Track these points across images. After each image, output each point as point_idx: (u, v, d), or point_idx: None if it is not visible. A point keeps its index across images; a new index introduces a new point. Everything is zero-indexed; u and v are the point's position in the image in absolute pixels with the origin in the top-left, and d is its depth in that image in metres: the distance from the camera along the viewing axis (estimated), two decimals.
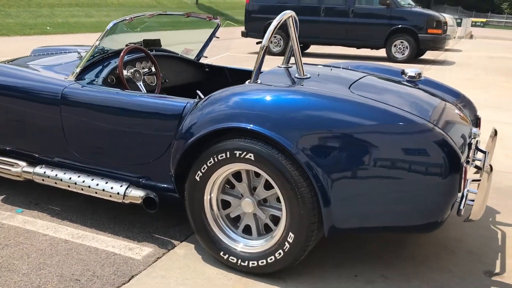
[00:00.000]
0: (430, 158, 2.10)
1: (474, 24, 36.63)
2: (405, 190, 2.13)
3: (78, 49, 3.65)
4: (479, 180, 2.25)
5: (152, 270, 2.43)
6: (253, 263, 2.35)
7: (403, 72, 3.27)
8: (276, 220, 2.37)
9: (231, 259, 2.40)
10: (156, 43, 3.61)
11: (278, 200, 2.36)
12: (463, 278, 2.46)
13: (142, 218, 3.00)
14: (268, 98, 2.33)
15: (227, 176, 2.42)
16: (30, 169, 2.97)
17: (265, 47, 2.55)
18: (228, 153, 2.29)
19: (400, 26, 12.03)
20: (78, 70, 2.94)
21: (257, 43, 13.23)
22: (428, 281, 2.41)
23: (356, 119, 2.18)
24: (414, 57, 12.23)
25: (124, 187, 2.67)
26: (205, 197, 2.43)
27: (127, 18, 3.08)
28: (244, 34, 13.96)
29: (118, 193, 2.67)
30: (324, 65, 3.31)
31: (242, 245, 2.40)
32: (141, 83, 3.20)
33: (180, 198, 2.60)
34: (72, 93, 2.84)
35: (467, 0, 56.53)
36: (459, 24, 22.71)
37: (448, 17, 14.10)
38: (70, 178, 2.83)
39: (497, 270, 2.56)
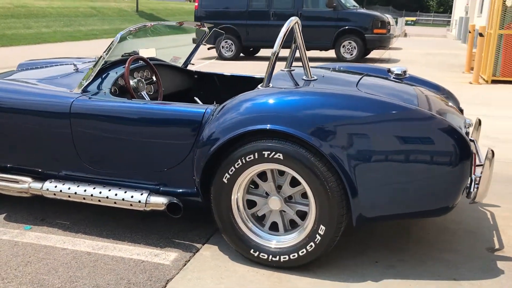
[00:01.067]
0: (446, 148, 2.31)
1: (406, 23, 38.36)
2: (424, 178, 2.33)
3: (74, 61, 3.62)
4: (482, 165, 2.49)
5: (185, 273, 2.50)
6: (285, 258, 2.47)
7: (389, 71, 3.50)
8: (301, 215, 2.51)
9: (262, 255, 2.51)
10: (150, 52, 3.65)
11: (303, 196, 2.49)
12: (469, 255, 2.70)
13: (156, 225, 3.04)
14: (291, 99, 2.47)
15: (252, 177, 2.53)
16: (38, 185, 2.94)
17: (276, 53, 2.69)
18: (256, 154, 2.40)
19: (347, 27, 12.50)
20: (86, 82, 2.95)
21: (209, 48, 13.32)
22: (441, 260, 2.63)
23: (375, 114, 2.36)
24: (361, 57, 12.74)
25: (145, 195, 2.71)
26: (232, 198, 2.52)
27: (132, 29, 3.12)
28: (195, 41, 13.96)
29: (139, 201, 2.71)
30: (321, 67, 3.48)
31: (275, 241, 2.51)
32: (144, 92, 3.24)
33: (202, 202, 2.68)
34: (83, 106, 2.84)
35: (396, 0, 59.03)
36: (395, 23, 23.76)
37: (389, 17, 14.76)
38: (85, 191, 2.83)
39: (497, 246, 2.82)
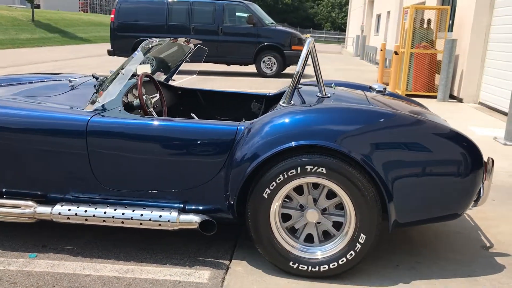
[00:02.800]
0: (466, 159, 2.58)
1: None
2: (448, 186, 2.58)
3: (70, 77, 3.42)
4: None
5: None
6: (324, 267, 2.58)
7: (371, 87, 3.78)
8: (335, 225, 2.64)
9: (301, 267, 2.59)
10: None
11: (336, 207, 2.63)
12: (471, 254, 3.01)
13: (170, 244, 2.98)
14: (329, 116, 2.59)
15: (289, 191, 2.61)
16: (45, 209, 2.76)
17: (300, 73, 2.81)
18: (299, 168, 2.49)
19: (266, 43, 12.92)
20: (102, 100, 2.82)
21: None
22: (449, 260, 2.90)
23: (406, 128, 2.58)
24: (280, 72, 13.22)
25: (175, 213, 2.67)
26: (271, 213, 2.58)
27: (151, 45, 3.06)
28: (111, 53, 13.57)
29: (169, 221, 2.66)
30: (312, 84, 3.62)
31: (320, 252, 2.61)
32: (152, 109, 3.17)
33: (234, 218, 2.70)
34: (102, 124, 2.73)
35: (291, 19, 61.62)
36: None
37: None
38: (105, 212, 2.71)
39: (488, 244, 3.17)
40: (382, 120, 2.60)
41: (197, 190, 2.72)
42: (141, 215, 2.69)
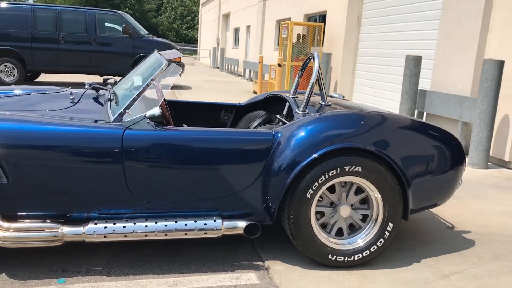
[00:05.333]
0: (456, 154, 3.12)
1: None
2: (446, 176, 3.09)
3: (72, 90, 3.15)
4: None
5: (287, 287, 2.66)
6: (358, 256, 2.88)
7: (331, 96, 4.21)
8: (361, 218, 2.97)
9: (339, 258, 2.86)
10: None
11: (361, 202, 2.96)
12: (444, 234, 3.58)
13: (198, 254, 3.01)
14: (359, 120, 2.89)
15: (324, 191, 2.86)
16: (76, 229, 2.60)
17: (313, 84, 3.09)
18: (338, 169, 2.76)
19: (144, 54, 12.73)
20: (132, 112, 2.74)
21: None
22: (434, 241, 3.43)
23: (419, 129, 3.02)
24: None
25: (219, 221, 2.74)
26: (311, 211, 2.80)
27: (177, 57, 3.05)
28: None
29: (215, 228, 2.72)
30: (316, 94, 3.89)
31: (353, 243, 2.89)
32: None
33: (271, 221, 2.85)
34: (139, 137, 2.66)
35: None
36: None
37: None
38: (146, 226, 2.66)
39: (450, 225, 3.78)
40: (401, 124, 3.01)
41: (234, 196, 2.81)
42: (185, 225, 2.70)
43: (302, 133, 2.82)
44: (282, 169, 2.76)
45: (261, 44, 17.66)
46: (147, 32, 13.56)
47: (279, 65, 10.88)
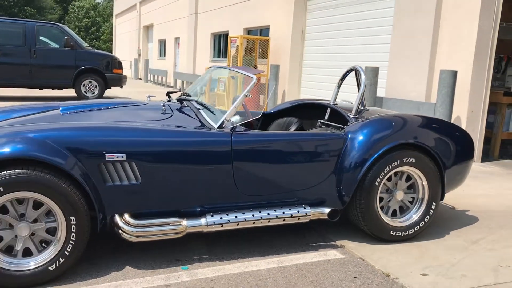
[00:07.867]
0: (471, 148, 3.91)
1: None
2: (465, 165, 3.86)
3: (162, 102, 3.46)
4: None
5: (374, 258, 3.24)
6: (411, 230, 3.55)
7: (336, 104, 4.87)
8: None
9: (397, 233, 3.51)
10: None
11: (408, 187, 3.64)
12: (450, 214, 4.37)
13: (278, 240, 3.50)
14: (407, 121, 3.57)
15: (385, 180, 3.50)
16: (196, 222, 2.99)
17: (362, 94, 3.73)
18: (399, 160, 3.42)
19: (87, 67, 12.65)
20: (234, 119, 3.17)
21: None
22: (444, 221, 4.20)
23: (444, 128, 3.76)
24: (102, 95, 13.09)
25: (308, 208, 3.27)
26: (377, 197, 3.42)
27: (259, 73, 3.49)
28: None
29: (306, 214, 3.25)
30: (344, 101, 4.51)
31: (407, 220, 3.55)
32: None
33: (342, 206, 3.43)
34: (245, 141, 3.12)
35: None
36: None
37: None
38: (253, 215, 3.12)
39: (450, 207, 4.59)
40: (434, 122, 3.73)
41: (313, 188, 3.35)
42: (283, 212, 3.20)
43: (367, 133, 3.44)
44: (354, 163, 3.35)
45: (194, 56, 18.05)
46: (87, 45, 13.45)
47: (233, 77, 11.40)
